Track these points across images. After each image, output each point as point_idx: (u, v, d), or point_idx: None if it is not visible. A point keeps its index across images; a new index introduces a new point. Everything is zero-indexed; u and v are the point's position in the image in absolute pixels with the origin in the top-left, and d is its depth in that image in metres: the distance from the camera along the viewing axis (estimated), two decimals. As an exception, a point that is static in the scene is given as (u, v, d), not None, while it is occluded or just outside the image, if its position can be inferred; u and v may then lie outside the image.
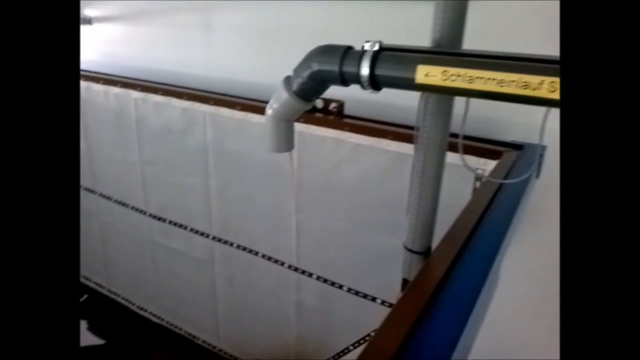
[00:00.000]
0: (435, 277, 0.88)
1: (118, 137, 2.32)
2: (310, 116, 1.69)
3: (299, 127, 1.71)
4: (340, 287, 1.88)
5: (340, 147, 1.66)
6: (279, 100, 0.86)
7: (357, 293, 1.85)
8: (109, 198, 2.55)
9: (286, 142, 0.90)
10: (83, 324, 2.67)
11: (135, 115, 2.19)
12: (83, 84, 2.29)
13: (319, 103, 1.69)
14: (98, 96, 2.28)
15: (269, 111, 0.88)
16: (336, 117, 1.66)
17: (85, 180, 2.61)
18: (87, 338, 2.57)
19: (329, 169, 1.72)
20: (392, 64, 0.74)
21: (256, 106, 1.83)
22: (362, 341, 1.92)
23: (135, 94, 2.14)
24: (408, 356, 0.72)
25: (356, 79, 0.76)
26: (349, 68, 0.77)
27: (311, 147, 1.73)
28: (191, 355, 2.45)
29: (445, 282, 0.87)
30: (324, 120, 1.67)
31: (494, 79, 0.67)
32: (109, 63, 2.47)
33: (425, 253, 0.98)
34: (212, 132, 2.00)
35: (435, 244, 0.99)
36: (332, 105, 1.66)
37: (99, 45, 2.55)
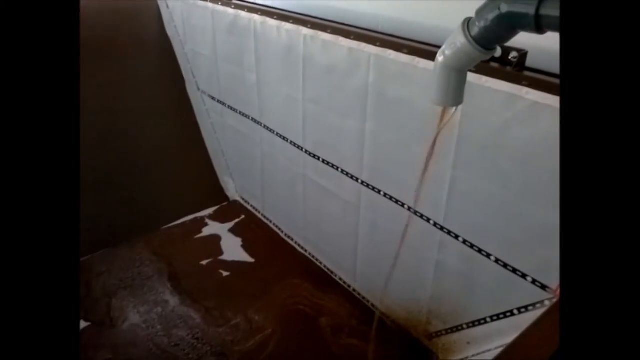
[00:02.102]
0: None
1: (285, 73, 2.40)
2: (484, 65, 1.51)
3: (468, 76, 1.54)
4: (488, 255, 1.74)
5: (514, 104, 1.47)
6: (453, 46, 0.76)
7: (505, 265, 1.70)
8: (271, 130, 2.70)
9: (455, 95, 0.80)
10: (238, 242, 2.99)
11: (303, 53, 2.23)
12: (259, 18, 2.38)
13: (496, 51, 1.49)
14: (271, 31, 2.36)
15: (439, 58, 0.78)
16: (515, 69, 1.46)
17: (252, 111, 2.79)
18: (241, 255, 2.87)
19: (497, 127, 1.54)
20: (610, 7, 0.58)
21: (425, 50, 1.70)
22: (501, 315, 1.78)
23: (305, 31, 2.16)
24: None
25: (558, 25, 0.62)
26: (549, 11, 0.62)
27: (479, 100, 1.56)
28: (326, 288, 2.57)
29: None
30: (500, 72, 1.49)
31: None
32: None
33: (606, 244, 0.82)
34: (375, 75, 1.93)
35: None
36: (512, 55, 1.46)
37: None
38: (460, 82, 0.80)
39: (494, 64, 1.51)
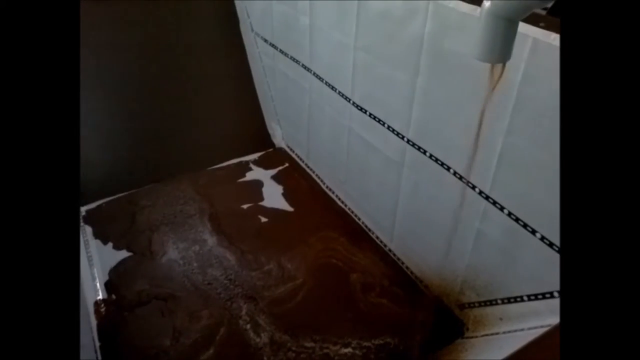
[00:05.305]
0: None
1: (339, 17, 2.26)
2: (555, 20, 1.32)
3: (535, 32, 1.37)
4: (533, 232, 1.61)
5: (583, 67, 1.28)
6: (505, -11, 0.63)
7: (551, 245, 1.56)
8: (320, 79, 2.60)
9: (501, 49, 0.68)
10: (279, 189, 2.98)
11: (358, -5, 2.07)
12: (315, -45, 2.23)
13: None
14: (327, -29, 2.21)
15: (486, 4, 0.66)
16: (591, 26, 1.26)
17: (303, 57, 2.69)
18: (281, 202, 2.87)
19: (561, 92, 1.37)
20: None
21: None
22: (540, 296, 1.67)
23: (361, -28, 2.00)
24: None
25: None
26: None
27: (546, 60, 1.38)
28: (362, 245, 2.53)
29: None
30: (572, 29, 1.29)
31: None
32: None
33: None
34: (432, 25, 1.77)
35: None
36: (590, 10, 1.26)
37: None
38: (510, 35, 0.67)
39: (567, 19, 1.32)
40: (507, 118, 1.57)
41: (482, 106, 1.65)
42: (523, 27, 1.32)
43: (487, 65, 1.56)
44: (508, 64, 1.37)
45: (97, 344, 2.04)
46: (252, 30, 3.15)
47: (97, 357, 1.98)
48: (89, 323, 2.12)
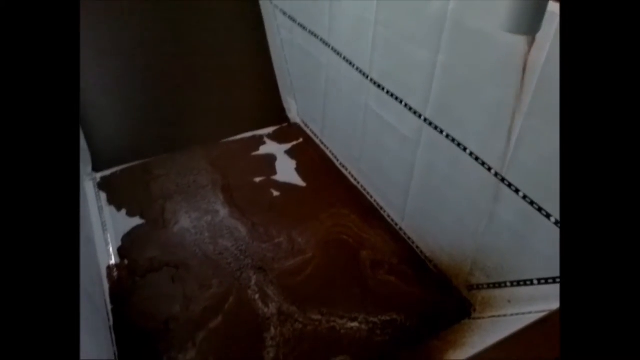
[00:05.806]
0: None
1: (360, -10, 2.22)
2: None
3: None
4: (548, 216, 1.60)
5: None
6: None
7: (566, 229, 1.55)
8: (339, 54, 2.57)
9: (531, 21, 0.66)
10: (292, 164, 2.98)
11: (382, -32, 2.03)
12: None
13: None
14: (351, -59, 2.16)
15: (519, -30, 0.63)
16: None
17: (322, 31, 2.65)
18: (293, 177, 2.87)
19: (586, 73, 1.33)
20: None
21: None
22: (550, 280, 1.66)
23: (386, -57, 1.95)
24: None
25: None
26: None
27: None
28: (373, 223, 2.53)
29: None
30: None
31: None
32: None
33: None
34: (456, 1, 1.73)
35: None
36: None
37: None
38: (541, 5, 0.65)
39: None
40: (528, 99, 1.55)
41: (504, 85, 1.62)
42: (552, 5, 1.28)
43: (512, 46, 1.52)
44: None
45: (109, 306, 2.09)
46: (272, 2, 3.11)
47: (109, 319, 2.03)
48: (101, 286, 2.17)
